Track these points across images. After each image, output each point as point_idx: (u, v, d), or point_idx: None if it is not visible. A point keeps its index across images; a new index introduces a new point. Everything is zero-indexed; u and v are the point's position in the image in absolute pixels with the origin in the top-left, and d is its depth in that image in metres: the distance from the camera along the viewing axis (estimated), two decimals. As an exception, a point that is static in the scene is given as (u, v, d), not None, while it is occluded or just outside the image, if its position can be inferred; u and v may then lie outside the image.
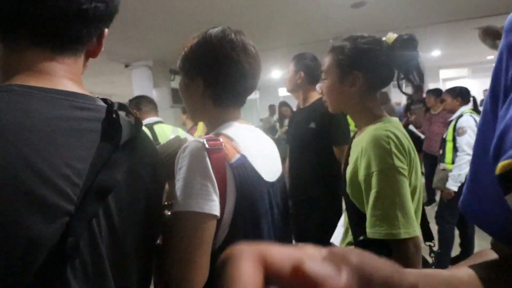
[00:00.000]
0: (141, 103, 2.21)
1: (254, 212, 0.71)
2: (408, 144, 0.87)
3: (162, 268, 0.75)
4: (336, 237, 1.14)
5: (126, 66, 5.33)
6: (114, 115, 0.52)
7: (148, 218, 0.58)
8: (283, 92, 8.00)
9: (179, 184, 0.65)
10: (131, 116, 0.59)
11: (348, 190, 0.95)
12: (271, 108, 6.76)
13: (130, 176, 0.53)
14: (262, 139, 0.84)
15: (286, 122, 4.55)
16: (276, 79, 8.57)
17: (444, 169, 2.65)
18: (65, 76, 0.51)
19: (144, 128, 2.13)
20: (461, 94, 2.65)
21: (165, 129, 2.10)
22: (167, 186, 0.83)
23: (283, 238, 0.82)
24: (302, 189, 1.79)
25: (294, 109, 4.73)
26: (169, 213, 0.79)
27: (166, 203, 0.83)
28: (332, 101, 1.01)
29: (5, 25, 0.47)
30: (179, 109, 4.62)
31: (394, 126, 0.90)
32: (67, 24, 0.48)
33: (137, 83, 5.27)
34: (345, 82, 0.95)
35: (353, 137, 1.05)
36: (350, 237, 1.00)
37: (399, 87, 0.95)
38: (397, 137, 0.85)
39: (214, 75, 0.73)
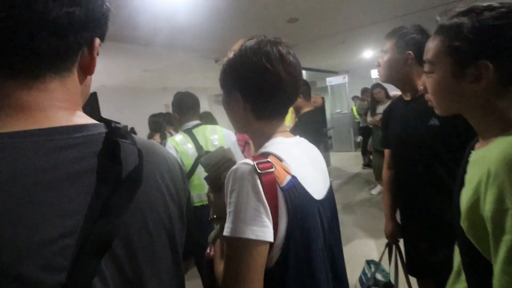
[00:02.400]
0: (183, 103, 2.10)
1: (305, 234, 0.68)
2: None
3: None
4: None
5: (216, 61, 5.66)
6: (112, 145, 0.43)
7: (171, 246, 0.55)
8: (376, 74, 7.28)
9: (231, 208, 0.63)
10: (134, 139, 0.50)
11: (463, 223, 0.69)
12: (365, 92, 5.97)
13: (139, 214, 0.47)
14: (309, 152, 0.80)
15: (380, 109, 4.04)
16: (367, 59, 7.86)
17: None
18: (51, 105, 0.42)
19: (183, 133, 1.90)
20: None
21: (205, 131, 2.03)
22: (212, 196, 0.84)
23: (335, 250, 0.78)
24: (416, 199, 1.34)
25: (390, 93, 3.96)
26: (217, 226, 0.81)
27: (213, 216, 0.82)
28: (442, 102, 0.74)
29: None
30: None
31: None
32: (35, 41, 0.39)
33: (225, 75, 5.58)
34: (463, 76, 0.67)
35: (472, 146, 0.76)
36: (463, 283, 0.75)
37: None
38: None
39: (250, 87, 0.71)
